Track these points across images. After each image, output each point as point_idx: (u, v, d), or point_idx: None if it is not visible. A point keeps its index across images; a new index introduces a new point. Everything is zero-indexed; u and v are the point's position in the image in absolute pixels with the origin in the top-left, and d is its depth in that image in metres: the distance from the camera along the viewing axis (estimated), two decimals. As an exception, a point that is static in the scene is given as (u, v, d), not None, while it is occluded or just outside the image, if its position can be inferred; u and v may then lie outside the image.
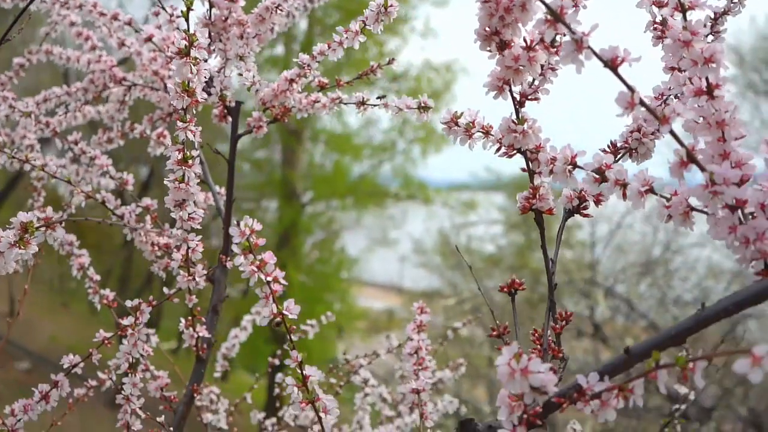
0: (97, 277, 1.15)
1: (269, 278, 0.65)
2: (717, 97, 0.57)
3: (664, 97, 0.73)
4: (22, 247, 0.71)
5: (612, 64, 0.53)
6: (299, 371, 0.68)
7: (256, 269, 0.65)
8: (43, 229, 0.71)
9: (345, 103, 1.02)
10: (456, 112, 0.69)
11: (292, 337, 0.67)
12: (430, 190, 11.86)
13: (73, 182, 1.01)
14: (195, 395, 1.03)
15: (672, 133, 0.54)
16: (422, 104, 0.87)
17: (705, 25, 0.75)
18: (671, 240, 7.36)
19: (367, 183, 12.43)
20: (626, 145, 0.72)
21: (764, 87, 9.45)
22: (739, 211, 0.56)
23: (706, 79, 0.57)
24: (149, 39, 1.09)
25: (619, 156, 0.73)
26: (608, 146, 0.73)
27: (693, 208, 0.58)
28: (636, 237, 8.12)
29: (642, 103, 0.53)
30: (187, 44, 0.71)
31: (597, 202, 0.71)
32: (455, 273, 9.90)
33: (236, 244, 0.64)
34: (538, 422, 0.57)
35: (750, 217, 0.55)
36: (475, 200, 11.64)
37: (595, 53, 0.53)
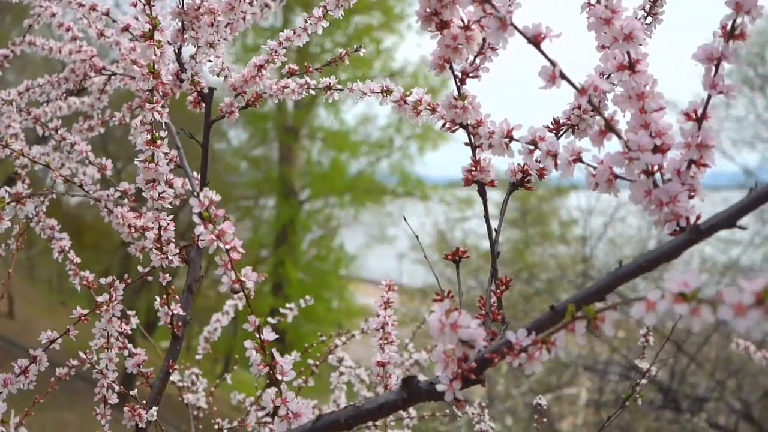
0: (78, 260, 1.18)
1: (228, 246, 0.69)
2: (638, 71, 0.61)
3: (605, 76, 0.77)
4: (-5, 221, 0.75)
5: (535, 40, 0.57)
6: (257, 335, 0.72)
7: (215, 238, 0.69)
8: (13, 204, 0.74)
9: (313, 89, 1.06)
10: (406, 91, 0.73)
11: (250, 303, 0.71)
12: (428, 186, 11.90)
13: (53, 166, 1.05)
14: (170, 371, 1.07)
15: (590, 103, 0.58)
16: (384, 88, 0.90)
17: (643, 8, 0.79)
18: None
19: (365, 180, 12.47)
20: (568, 122, 0.76)
21: (759, 82, 9.48)
22: (658, 177, 0.60)
23: (628, 54, 0.61)
24: (126, 29, 1.13)
25: (562, 132, 0.77)
26: (551, 122, 0.77)
27: (616, 176, 0.62)
28: (631, 231, 8.16)
29: (562, 75, 0.57)
30: (151, 27, 0.75)
31: (540, 176, 0.75)
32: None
33: (195, 214, 0.68)
34: (473, 377, 0.61)
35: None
36: (472, 197, 11.66)
37: (518, 30, 0.57)
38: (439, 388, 0.61)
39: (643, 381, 1.15)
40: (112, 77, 1.28)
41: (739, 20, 0.58)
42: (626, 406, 1.15)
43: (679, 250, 0.54)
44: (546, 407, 1.23)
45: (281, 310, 1.50)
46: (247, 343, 0.72)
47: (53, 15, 1.28)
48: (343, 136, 12.41)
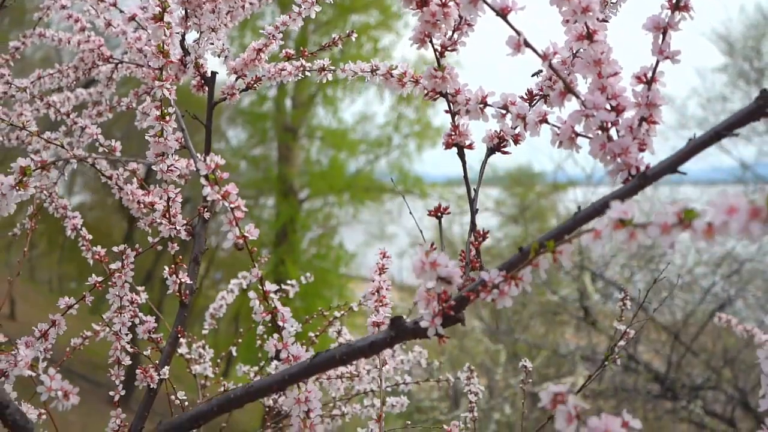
0: (90, 236, 1.26)
1: (233, 205, 0.77)
2: (595, 41, 0.68)
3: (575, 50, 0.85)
4: (21, 188, 0.82)
5: (503, 12, 0.65)
6: (260, 287, 0.80)
7: (221, 197, 0.76)
8: (39, 171, 0.82)
9: (308, 71, 1.13)
10: (392, 65, 0.80)
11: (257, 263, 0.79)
12: (426, 184, 11.97)
13: (66, 147, 1.13)
14: (179, 336, 1.15)
15: (552, 68, 0.65)
16: (374, 68, 0.98)
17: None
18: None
19: (364, 178, 12.54)
20: (540, 92, 0.84)
21: (755, 76, 9.55)
22: (614, 133, 0.68)
23: (586, 25, 0.68)
24: (132, 18, 1.21)
25: (535, 101, 0.84)
26: (525, 93, 0.85)
27: (578, 134, 0.69)
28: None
29: (526, 44, 0.65)
30: (161, 10, 0.83)
31: (515, 141, 0.82)
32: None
33: (203, 176, 0.76)
34: (452, 314, 0.69)
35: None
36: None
37: (487, 4, 0.65)
38: (423, 324, 0.69)
39: (621, 342, 1.23)
40: (119, 65, 1.36)
41: (683, -7, 0.65)
42: (605, 366, 1.23)
43: (629, 193, 0.62)
44: (530, 369, 1.31)
45: (283, 286, 1.58)
46: (251, 294, 0.80)
47: (63, 7, 1.35)
48: (342, 135, 12.48)
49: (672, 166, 0.61)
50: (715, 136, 0.59)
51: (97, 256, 1.22)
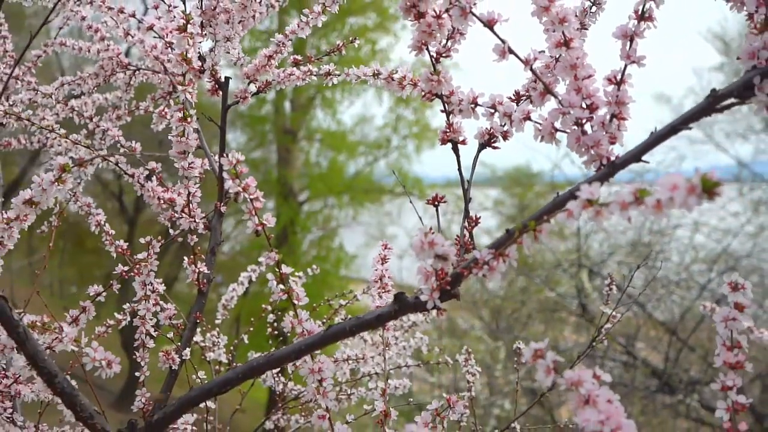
0: (112, 231, 1.36)
1: (252, 197, 0.86)
2: (572, 47, 0.78)
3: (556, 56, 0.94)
4: (60, 184, 0.92)
5: (490, 24, 0.75)
6: (278, 270, 0.89)
7: (242, 189, 0.86)
8: (76, 168, 0.92)
9: (315, 75, 1.23)
10: (392, 69, 0.90)
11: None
12: (426, 185, 12.05)
13: (92, 147, 1.22)
14: (198, 321, 1.24)
15: (533, 72, 0.75)
16: (376, 72, 1.08)
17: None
18: (661, 225, 7.60)
19: (363, 180, 12.63)
20: (527, 93, 0.93)
21: (750, 74, 9.63)
22: (589, 128, 0.77)
23: (563, 33, 0.78)
24: (150, 28, 1.30)
25: (522, 101, 0.94)
26: (513, 94, 0.94)
27: (556, 129, 0.79)
28: (626, 222, 8.34)
29: (510, 51, 0.74)
30: (185, 22, 0.92)
31: (504, 137, 0.92)
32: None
33: (225, 170, 0.85)
34: (448, 288, 0.78)
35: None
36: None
37: (476, 16, 0.74)
38: (423, 298, 0.78)
39: (608, 325, 1.32)
40: (137, 72, 1.45)
41: (647, 5, 0.75)
42: (593, 347, 1.32)
43: (600, 180, 0.71)
44: (524, 352, 1.40)
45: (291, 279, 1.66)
46: (270, 276, 0.89)
47: (83, 18, 1.45)
48: (341, 137, 12.57)
49: (636, 156, 0.71)
50: (672, 130, 0.68)
51: (120, 250, 1.32)
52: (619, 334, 6.55)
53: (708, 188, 0.50)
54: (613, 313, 1.32)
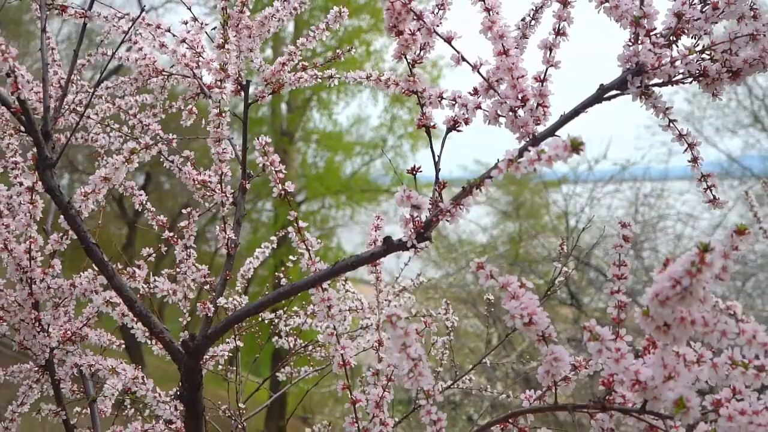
0: (153, 209, 1.65)
1: (276, 168, 1.16)
2: (509, 55, 1.08)
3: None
4: (128, 163, 1.21)
5: (448, 39, 1.05)
6: (296, 224, 1.19)
7: (269, 164, 1.16)
8: (143, 150, 1.21)
9: (320, 78, 1.53)
10: (380, 72, 1.20)
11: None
12: (421, 184, 12.30)
13: (138, 137, 1.52)
14: (227, 278, 1.54)
15: (479, 73, 1.05)
16: (368, 75, 1.37)
17: (529, 14, 1.26)
18: (650, 218, 7.93)
19: (360, 180, 12.91)
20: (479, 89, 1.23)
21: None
22: (521, 113, 1.07)
23: (502, 45, 1.08)
24: (183, 41, 1.60)
25: (477, 95, 1.23)
26: (472, 89, 1.24)
27: (499, 114, 1.09)
28: (618, 213, 8.67)
29: (463, 59, 1.04)
30: (224, 40, 1.22)
31: (466, 123, 1.22)
32: (450, 264, 10.31)
33: (257, 149, 1.15)
34: (422, 231, 1.07)
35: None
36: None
37: (438, 34, 1.04)
38: (404, 238, 1.08)
39: (561, 278, 1.62)
40: (169, 77, 1.75)
41: (561, 24, 1.05)
42: (549, 296, 1.61)
43: (527, 147, 1.01)
44: (492, 301, 1.70)
45: (288, 264, 1.97)
46: (290, 228, 1.19)
47: (125, 32, 1.74)
48: (337, 137, 12.85)
49: (549, 133, 1.01)
50: (573, 113, 0.98)
51: (161, 223, 1.62)
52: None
53: (575, 146, 0.80)
54: (564, 269, 1.62)
